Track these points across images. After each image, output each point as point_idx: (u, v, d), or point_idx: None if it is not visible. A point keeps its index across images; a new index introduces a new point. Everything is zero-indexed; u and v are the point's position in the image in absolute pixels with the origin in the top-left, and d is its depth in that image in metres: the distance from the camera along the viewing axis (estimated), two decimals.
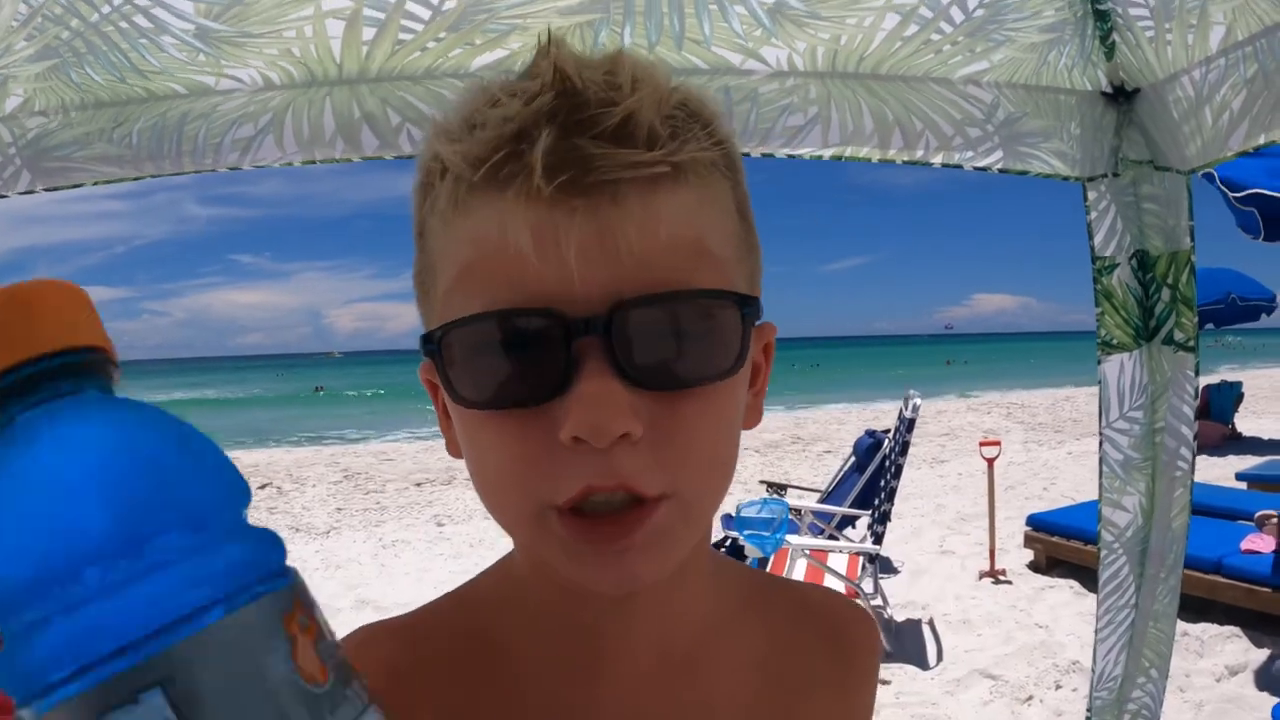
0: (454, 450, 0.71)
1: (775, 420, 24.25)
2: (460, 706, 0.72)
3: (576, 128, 0.56)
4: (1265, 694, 5.21)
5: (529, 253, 0.56)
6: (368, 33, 1.51)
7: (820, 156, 1.76)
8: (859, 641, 0.86)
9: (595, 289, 0.56)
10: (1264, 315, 16.07)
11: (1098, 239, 1.96)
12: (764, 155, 1.77)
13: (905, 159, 1.78)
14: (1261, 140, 1.74)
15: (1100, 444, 2.05)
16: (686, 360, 0.59)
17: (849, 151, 1.77)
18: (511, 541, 0.73)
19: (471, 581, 0.81)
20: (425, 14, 1.49)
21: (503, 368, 0.58)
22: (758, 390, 0.71)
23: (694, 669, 0.74)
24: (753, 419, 0.71)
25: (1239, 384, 17.66)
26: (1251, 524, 6.77)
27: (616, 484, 0.57)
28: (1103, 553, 2.10)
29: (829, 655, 0.82)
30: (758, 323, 0.65)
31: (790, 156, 1.77)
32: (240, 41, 1.48)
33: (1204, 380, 19.17)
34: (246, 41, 1.49)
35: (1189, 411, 2.01)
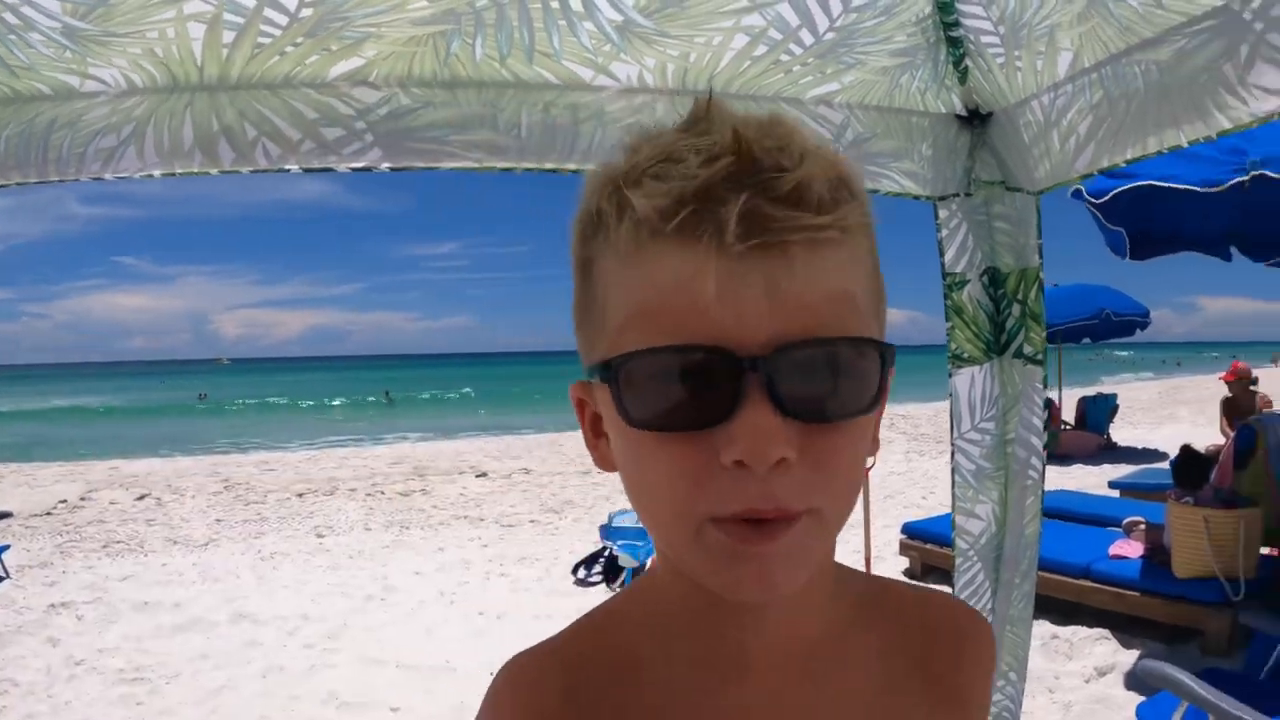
0: (604, 465, 0.78)
1: None
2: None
3: (758, 191, 0.63)
4: (1132, 693, 5.37)
5: (711, 298, 0.63)
6: (228, 36, 1.51)
7: None
8: (972, 646, 0.90)
9: (763, 333, 0.63)
10: (1138, 330, 16.66)
11: (948, 256, 2.03)
12: None
13: None
14: (1105, 163, 1.81)
15: (952, 454, 2.12)
16: (834, 398, 0.66)
17: None
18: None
19: (608, 604, 0.88)
20: (283, 20, 1.50)
21: (676, 395, 0.65)
22: (877, 422, 0.77)
23: (815, 673, 0.80)
24: (874, 447, 0.78)
25: (1114, 396, 18.33)
26: (1121, 530, 7.01)
27: (774, 507, 0.64)
28: (958, 560, 2.17)
29: (942, 658, 0.87)
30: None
31: None
32: (105, 40, 1.47)
33: (1081, 392, 19.79)
34: (111, 41, 1.48)
35: (1038, 423, 2.09)
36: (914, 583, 0.96)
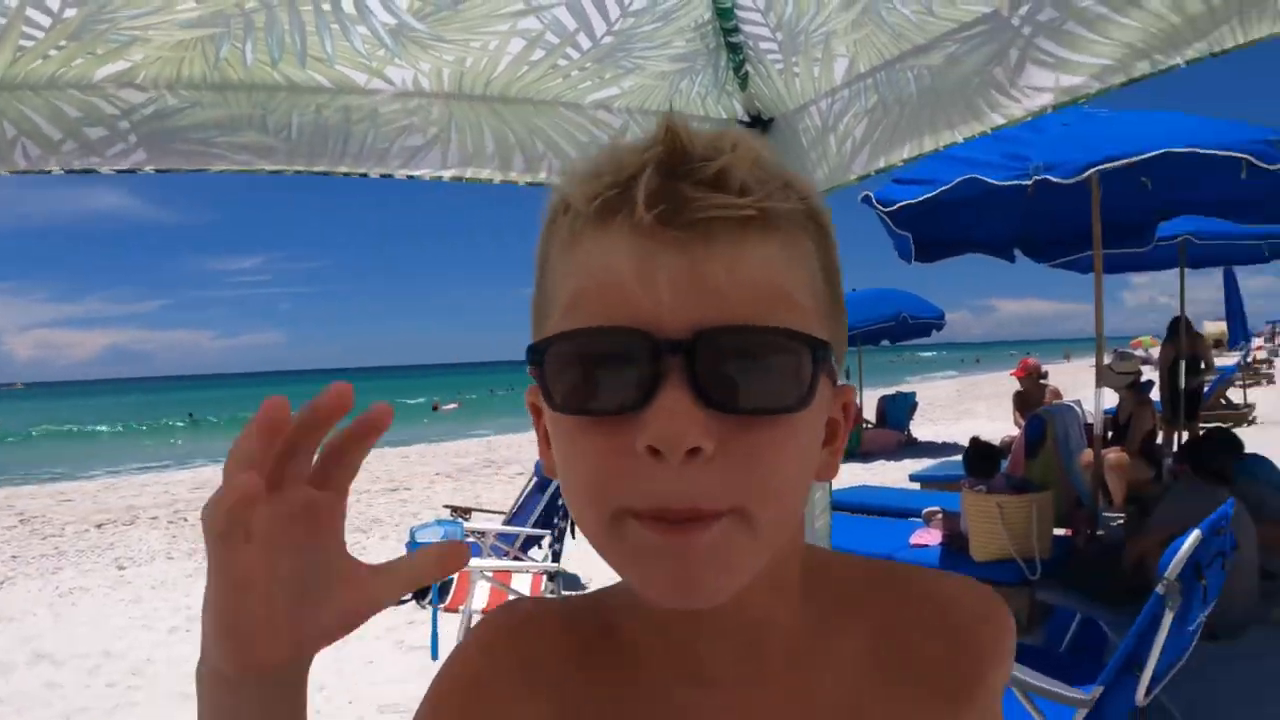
0: (551, 470, 0.76)
1: (469, 445, 25.11)
2: (582, 693, 0.80)
3: (678, 174, 0.64)
4: None
5: (628, 278, 0.63)
6: None
7: (440, 177, 1.76)
8: (977, 635, 0.83)
9: (683, 316, 0.62)
10: (935, 331, 17.47)
11: None
12: (383, 176, 1.76)
13: (528, 180, 1.83)
14: (881, 164, 1.89)
15: None
16: (757, 389, 0.64)
17: (469, 173, 1.79)
18: None
19: (609, 586, 0.85)
20: (45, 21, 1.44)
21: (596, 378, 0.64)
22: (835, 448, 0.77)
23: (785, 680, 0.78)
24: (828, 472, 0.77)
25: (913, 394, 19.18)
26: (921, 520, 7.31)
27: (686, 506, 0.63)
28: None
29: (942, 650, 0.81)
30: (838, 383, 0.74)
31: (410, 178, 1.76)
32: None
33: (882, 391, 20.55)
34: None
35: None
36: (926, 569, 0.90)
